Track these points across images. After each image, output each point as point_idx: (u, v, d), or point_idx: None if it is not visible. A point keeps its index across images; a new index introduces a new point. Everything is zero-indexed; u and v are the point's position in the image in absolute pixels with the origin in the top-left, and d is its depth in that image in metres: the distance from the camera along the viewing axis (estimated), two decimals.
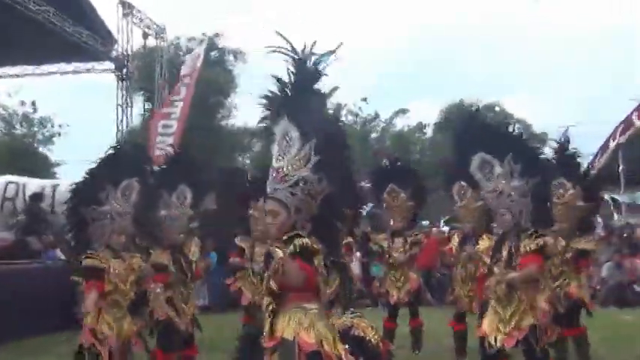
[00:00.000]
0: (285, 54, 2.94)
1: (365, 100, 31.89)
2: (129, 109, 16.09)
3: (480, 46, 54.97)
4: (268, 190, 2.89)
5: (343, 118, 30.06)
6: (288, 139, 2.90)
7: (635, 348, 6.87)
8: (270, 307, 2.93)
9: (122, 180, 4.73)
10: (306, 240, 2.83)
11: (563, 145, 6.27)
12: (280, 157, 2.88)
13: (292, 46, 2.93)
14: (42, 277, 9.58)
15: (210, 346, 7.04)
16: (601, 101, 43.63)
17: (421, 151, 31.51)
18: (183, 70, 16.54)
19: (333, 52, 2.96)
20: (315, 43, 2.93)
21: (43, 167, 25.05)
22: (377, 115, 32.12)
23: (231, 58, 26.70)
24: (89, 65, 16.52)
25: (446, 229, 13.20)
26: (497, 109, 29.23)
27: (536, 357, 4.29)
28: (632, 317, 7.60)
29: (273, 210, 2.86)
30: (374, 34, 56.03)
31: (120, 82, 15.72)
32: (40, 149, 27.99)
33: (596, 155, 15.63)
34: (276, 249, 2.90)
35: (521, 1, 59.82)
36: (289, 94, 2.97)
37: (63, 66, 16.86)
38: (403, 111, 33.68)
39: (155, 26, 16.70)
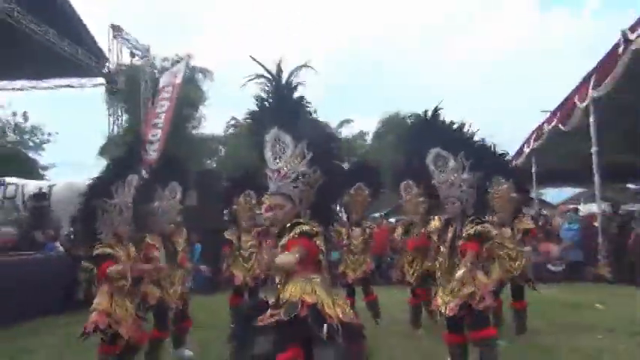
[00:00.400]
0: (264, 77, 3.04)
1: (315, 112, 31.91)
2: (118, 119, 15.82)
3: (410, 59, 55.16)
4: (273, 188, 2.93)
5: None
6: (280, 143, 2.95)
7: (547, 314, 7.15)
8: (281, 280, 3.05)
9: (127, 174, 4.66)
10: (305, 227, 2.91)
11: (494, 145, 6.47)
12: (277, 160, 2.94)
13: (266, 69, 3.02)
14: (43, 266, 9.48)
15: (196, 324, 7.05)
16: (518, 112, 44.71)
17: (363, 156, 31.82)
18: (163, 84, 16.38)
19: (301, 67, 3.07)
20: (281, 61, 3.03)
21: (33, 170, 24.50)
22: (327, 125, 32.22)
23: (200, 76, 26.68)
24: (82, 81, 16.18)
25: (392, 220, 13.46)
26: None
27: (477, 319, 4.31)
28: (546, 291, 7.94)
29: (279, 204, 2.92)
30: (317, 47, 55.99)
31: (110, 95, 15.48)
32: (30, 154, 27.49)
33: (512, 159, 16.24)
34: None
35: (452, 17, 60.66)
36: (274, 108, 3.05)
37: (58, 81, 16.50)
38: (347, 121, 34.02)
39: (141, 46, 16.45)
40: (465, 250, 4.38)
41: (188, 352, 5.95)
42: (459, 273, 4.26)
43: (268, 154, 3.00)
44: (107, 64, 15.33)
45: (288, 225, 2.99)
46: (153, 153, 15.96)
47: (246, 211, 7.45)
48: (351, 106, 48.32)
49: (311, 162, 2.95)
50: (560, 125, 13.40)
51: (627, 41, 9.59)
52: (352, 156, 27.79)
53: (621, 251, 10.87)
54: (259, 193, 7.85)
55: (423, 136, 5.01)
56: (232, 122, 30.12)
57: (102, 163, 22.95)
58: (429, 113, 4.86)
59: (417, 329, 6.64)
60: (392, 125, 29.56)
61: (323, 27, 54.34)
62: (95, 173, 4.89)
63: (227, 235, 7.44)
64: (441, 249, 4.75)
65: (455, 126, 4.82)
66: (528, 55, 53.95)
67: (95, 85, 15.97)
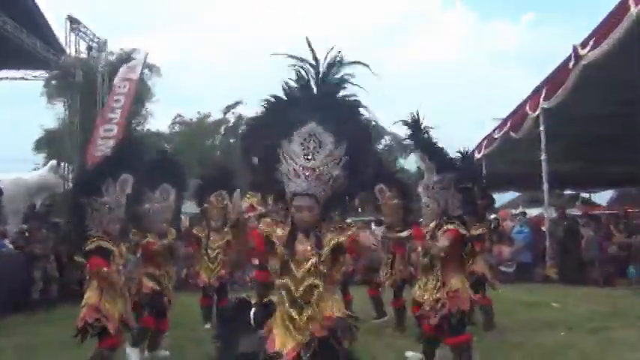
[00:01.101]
0: (310, 65, 2.78)
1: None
2: (74, 111, 15.25)
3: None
4: (304, 186, 2.75)
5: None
6: (316, 140, 2.78)
7: (509, 313, 7.41)
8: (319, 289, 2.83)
9: (120, 174, 4.59)
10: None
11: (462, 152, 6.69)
12: (310, 158, 2.75)
13: (315, 57, 2.79)
14: None
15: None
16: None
17: None
18: (119, 78, 15.92)
19: (355, 62, 2.86)
20: (338, 53, 2.79)
21: None
22: None
23: (147, 71, 25.80)
24: (37, 73, 15.46)
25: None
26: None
27: (452, 326, 4.41)
28: (502, 291, 8.24)
29: (310, 206, 2.76)
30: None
31: (67, 89, 14.89)
32: None
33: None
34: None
35: (391, 24, 61.65)
36: (314, 102, 2.82)
37: (12, 72, 15.72)
38: None
39: (97, 39, 15.91)
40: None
41: (164, 353, 5.85)
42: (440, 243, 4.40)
43: (297, 148, 2.77)
44: (64, 56, 14.71)
45: (339, 226, 2.89)
46: (107, 149, 15.49)
47: (217, 210, 7.42)
48: None
49: (345, 166, 2.80)
50: (511, 132, 14.04)
51: (578, 56, 10.18)
52: None
53: (568, 253, 11.46)
54: (231, 194, 7.84)
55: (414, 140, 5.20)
56: (178, 119, 29.68)
57: (37, 159, 22.16)
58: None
59: (401, 332, 6.52)
60: None
61: (272, 25, 54.20)
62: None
63: (196, 230, 7.43)
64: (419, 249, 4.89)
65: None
66: (469, 63, 55.51)
67: (51, 78, 15.32)
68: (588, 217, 13.00)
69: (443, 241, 4.44)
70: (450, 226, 4.51)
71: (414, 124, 5.00)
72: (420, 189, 4.94)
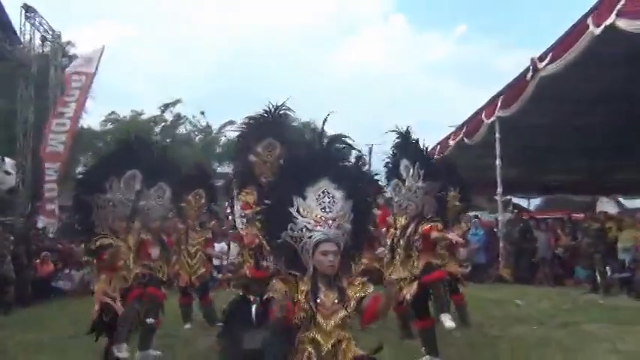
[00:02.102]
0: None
1: (203, 113, 31.44)
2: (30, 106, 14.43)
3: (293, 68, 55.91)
4: (329, 233, 2.84)
5: (183, 129, 29.73)
6: (330, 196, 2.93)
7: (480, 309, 7.67)
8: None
9: (125, 171, 4.51)
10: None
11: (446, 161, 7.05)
12: (328, 209, 2.89)
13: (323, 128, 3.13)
14: None
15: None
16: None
17: None
18: (73, 71, 15.24)
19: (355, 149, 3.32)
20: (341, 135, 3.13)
21: None
22: (209, 126, 30.69)
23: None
24: None
25: None
26: (312, 126, 29.17)
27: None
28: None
29: (336, 251, 2.82)
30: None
31: (22, 80, 14.05)
32: None
33: None
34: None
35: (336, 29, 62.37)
36: (324, 160, 3.02)
37: None
38: (231, 122, 33.81)
39: (51, 31, 15.16)
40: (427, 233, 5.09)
41: (154, 352, 5.74)
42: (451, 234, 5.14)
43: (312, 203, 2.90)
44: (19, 46, 13.91)
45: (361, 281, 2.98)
46: (59, 145, 14.86)
47: (194, 209, 7.39)
48: (231, 108, 47.95)
49: (351, 222, 2.97)
50: (465, 139, 14.66)
51: (536, 69, 10.81)
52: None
53: (522, 254, 12.09)
54: (209, 193, 7.81)
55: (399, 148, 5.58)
56: (112, 117, 28.78)
57: None
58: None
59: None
60: None
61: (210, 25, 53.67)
62: None
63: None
64: (400, 242, 5.37)
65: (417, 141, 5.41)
66: (403, 72, 56.97)
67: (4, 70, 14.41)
68: (536, 220, 13.73)
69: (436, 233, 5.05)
70: (435, 224, 5.09)
71: (405, 135, 5.49)
72: (392, 189, 5.45)
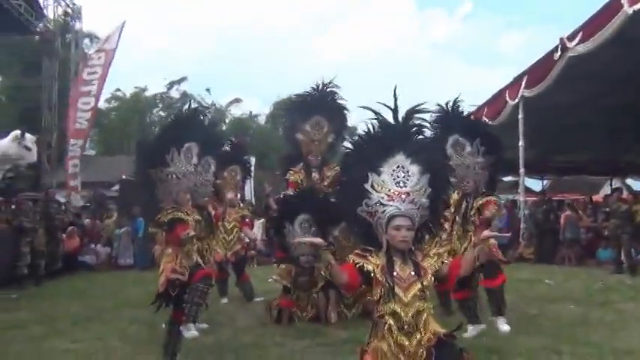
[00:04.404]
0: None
1: (208, 90, 31.33)
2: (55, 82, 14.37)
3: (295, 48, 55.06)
4: (401, 207, 2.83)
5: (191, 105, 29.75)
6: (405, 170, 2.91)
7: (514, 289, 7.68)
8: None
9: (184, 143, 4.47)
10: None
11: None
12: (402, 184, 2.87)
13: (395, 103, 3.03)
14: None
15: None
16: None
17: (254, 135, 31.99)
18: (94, 49, 15.18)
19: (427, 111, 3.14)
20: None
21: None
22: (214, 104, 31.00)
23: (86, 41, 23.78)
24: (17, 38, 14.32)
25: None
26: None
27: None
28: None
29: (409, 226, 2.82)
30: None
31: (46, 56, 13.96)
32: None
33: None
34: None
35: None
36: (403, 136, 3.01)
37: None
38: (237, 100, 33.78)
39: (73, 4, 15.04)
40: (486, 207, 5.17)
41: (201, 325, 5.77)
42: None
43: (387, 178, 2.89)
44: (44, 20, 13.79)
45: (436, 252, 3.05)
46: (84, 122, 14.85)
47: (230, 185, 7.43)
48: (237, 85, 47.61)
49: (429, 196, 2.94)
50: (486, 120, 14.50)
51: (565, 48, 10.65)
52: (245, 135, 28.07)
53: (545, 234, 12.09)
54: (244, 170, 7.80)
55: (444, 124, 5.48)
56: (118, 93, 28.65)
57: None
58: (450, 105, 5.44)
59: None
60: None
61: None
62: None
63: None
64: (456, 219, 5.38)
65: (472, 117, 5.33)
66: (409, 51, 56.26)
67: (29, 44, 14.28)
68: (558, 202, 13.71)
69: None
70: (491, 198, 5.21)
71: (454, 109, 5.41)
72: (457, 166, 5.32)
